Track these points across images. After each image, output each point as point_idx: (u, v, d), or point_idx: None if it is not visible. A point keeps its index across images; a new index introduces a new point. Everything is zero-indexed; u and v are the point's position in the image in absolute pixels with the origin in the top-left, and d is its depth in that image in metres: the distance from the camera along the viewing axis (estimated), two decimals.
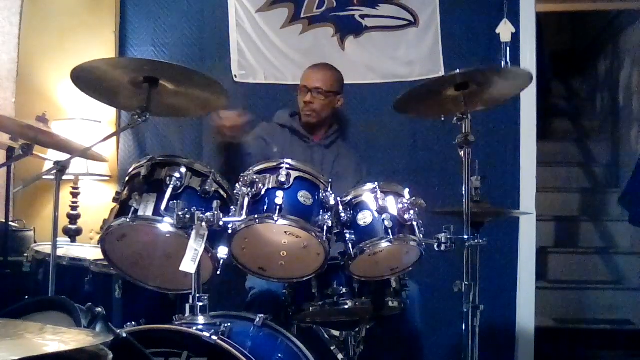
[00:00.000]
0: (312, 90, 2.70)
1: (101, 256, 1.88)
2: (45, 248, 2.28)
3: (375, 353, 2.29)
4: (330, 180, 1.95)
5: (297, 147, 2.70)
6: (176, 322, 1.73)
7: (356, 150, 2.94)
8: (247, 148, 2.57)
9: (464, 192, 1.95)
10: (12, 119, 2.57)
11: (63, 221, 3.00)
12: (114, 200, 1.84)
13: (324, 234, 1.81)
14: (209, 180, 1.81)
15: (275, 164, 1.88)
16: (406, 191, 1.98)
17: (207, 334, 1.59)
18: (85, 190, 3.18)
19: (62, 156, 2.10)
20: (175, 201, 1.70)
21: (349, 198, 1.97)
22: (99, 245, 1.83)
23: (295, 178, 1.85)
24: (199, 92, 1.98)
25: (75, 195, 3.10)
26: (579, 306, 3.94)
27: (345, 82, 2.86)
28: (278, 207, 1.77)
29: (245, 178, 1.83)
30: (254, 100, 3.18)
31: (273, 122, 2.81)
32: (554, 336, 3.52)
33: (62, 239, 2.89)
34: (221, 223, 1.72)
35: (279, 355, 1.91)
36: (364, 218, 1.92)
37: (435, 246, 1.94)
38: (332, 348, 2.19)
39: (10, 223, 2.65)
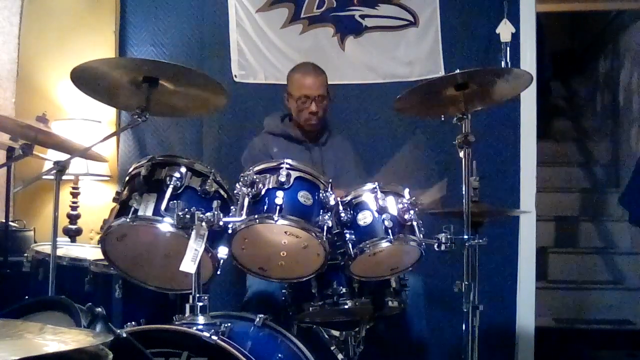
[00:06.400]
0: (315, 99, 2.62)
1: (101, 256, 1.88)
2: (45, 248, 2.28)
3: (375, 353, 2.29)
4: (330, 180, 1.95)
5: (295, 152, 2.64)
6: (176, 322, 1.73)
7: (355, 149, 2.92)
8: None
9: (463, 192, 1.95)
10: (12, 119, 2.57)
11: (63, 221, 3.00)
12: (114, 200, 1.84)
13: (324, 234, 1.81)
14: (209, 180, 1.81)
15: (275, 164, 1.88)
16: (406, 191, 1.98)
17: (207, 334, 1.59)
18: (85, 190, 3.18)
19: (62, 156, 2.10)
20: (175, 201, 1.70)
21: (349, 198, 1.97)
22: (99, 245, 1.83)
23: (295, 178, 1.85)
24: (199, 92, 1.98)
25: (75, 195, 3.10)
26: (579, 306, 3.93)
27: (345, 82, 2.85)
28: (278, 207, 1.77)
29: (245, 178, 1.83)
30: (254, 100, 3.18)
31: (262, 133, 2.75)
32: (554, 336, 3.51)
33: (62, 239, 2.89)
34: (221, 223, 1.72)
35: (279, 355, 1.91)
36: (364, 218, 1.93)
37: (435, 246, 1.94)
38: (332, 348, 2.19)
39: (10, 223, 2.64)
